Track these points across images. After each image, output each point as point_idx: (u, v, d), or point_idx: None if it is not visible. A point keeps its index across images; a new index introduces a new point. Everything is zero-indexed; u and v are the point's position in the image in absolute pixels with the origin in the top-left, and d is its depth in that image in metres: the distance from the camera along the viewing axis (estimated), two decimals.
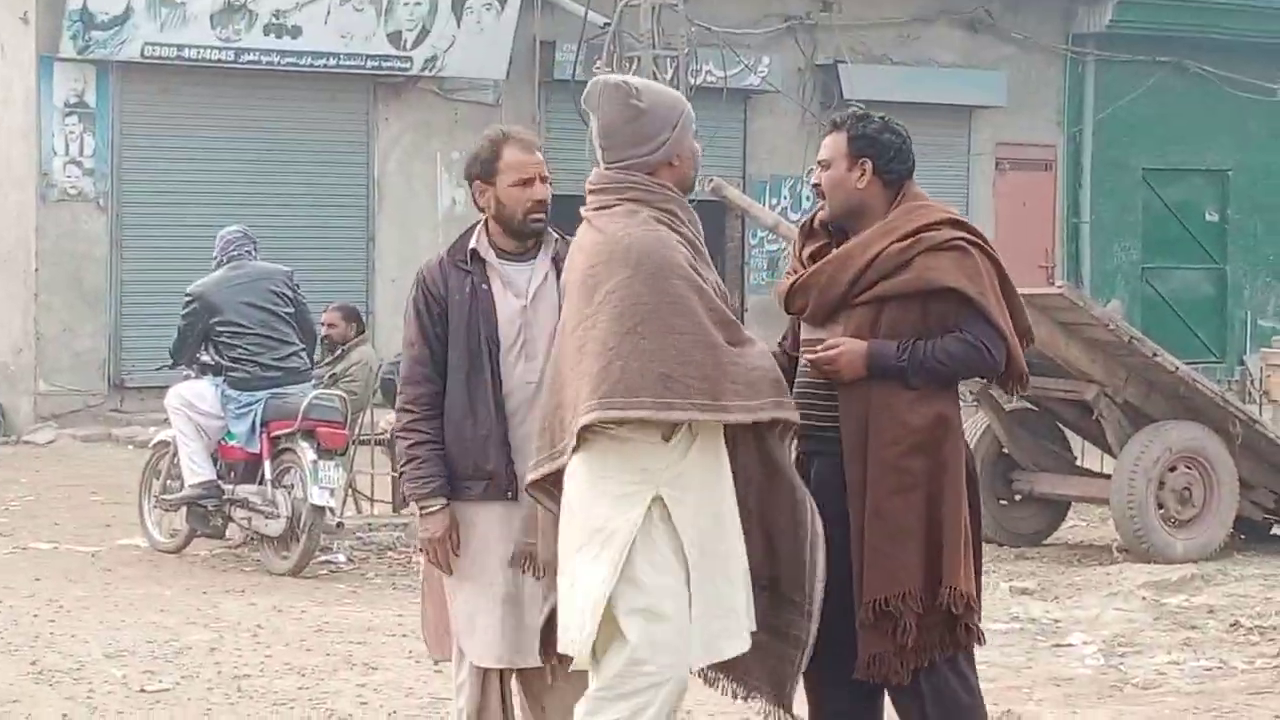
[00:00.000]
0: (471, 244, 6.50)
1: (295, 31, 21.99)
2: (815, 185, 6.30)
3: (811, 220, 6.40)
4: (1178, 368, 13.73)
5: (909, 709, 6.13)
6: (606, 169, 6.07)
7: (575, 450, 5.77)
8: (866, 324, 6.11)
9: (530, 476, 5.97)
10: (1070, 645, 10.79)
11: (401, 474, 6.66)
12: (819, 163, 6.26)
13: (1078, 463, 15.03)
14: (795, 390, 6.16)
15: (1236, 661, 10.27)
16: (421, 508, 6.46)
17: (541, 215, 6.48)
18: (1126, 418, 13.82)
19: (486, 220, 6.53)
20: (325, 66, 22.33)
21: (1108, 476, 14.05)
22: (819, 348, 6.08)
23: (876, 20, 25.67)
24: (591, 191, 6.07)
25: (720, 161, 20.77)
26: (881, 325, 6.10)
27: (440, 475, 6.40)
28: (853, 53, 25.31)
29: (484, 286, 6.43)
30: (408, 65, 22.73)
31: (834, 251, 6.20)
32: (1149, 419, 13.84)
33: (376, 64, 22.59)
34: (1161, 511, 13.64)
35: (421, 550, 6.54)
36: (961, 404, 6.22)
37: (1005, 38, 26.62)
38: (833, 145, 6.25)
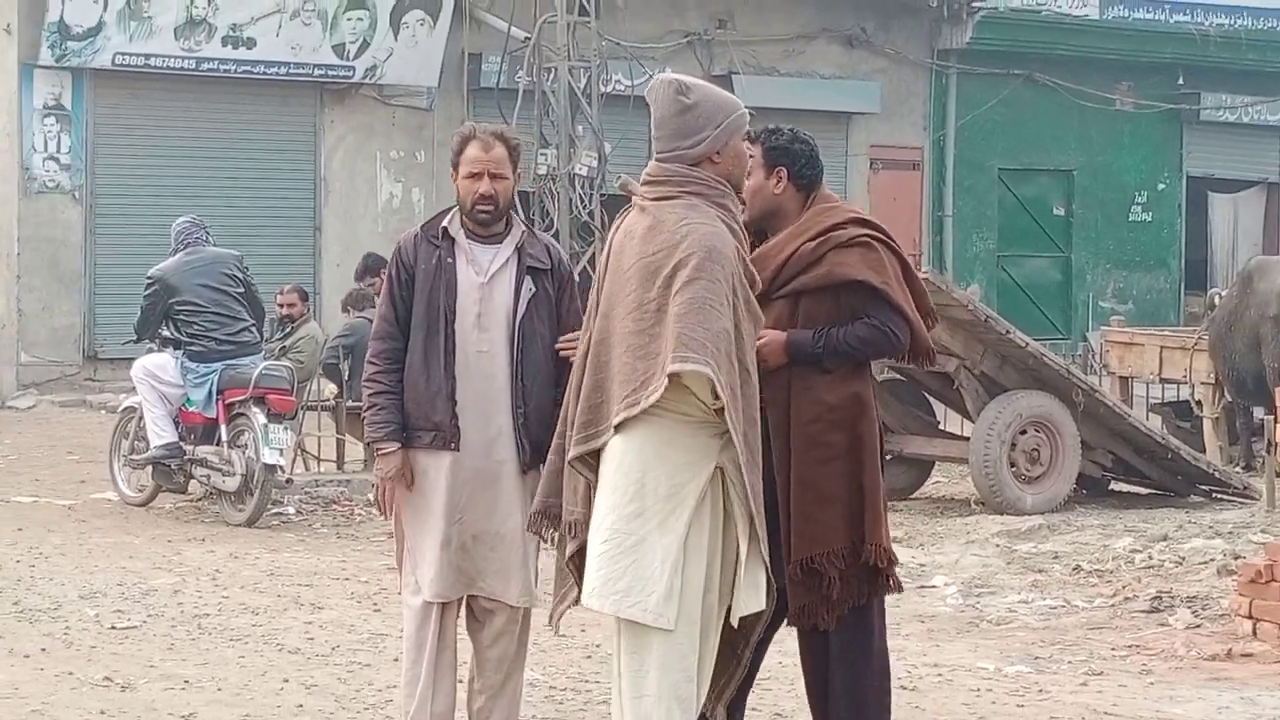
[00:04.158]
0: (445, 222, 6.48)
1: (250, 43, 21.86)
2: None
3: None
4: (1028, 343, 13.80)
5: (819, 650, 6.10)
6: (657, 160, 5.83)
7: (638, 419, 5.57)
8: (785, 315, 6.07)
9: (574, 452, 5.73)
10: (933, 587, 10.84)
11: (364, 418, 6.63)
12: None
13: (940, 427, 15.11)
14: None
15: (1078, 601, 10.34)
16: (377, 449, 6.46)
17: (487, 208, 6.43)
18: (983, 387, 13.88)
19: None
20: (277, 74, 22.22)
21: (966, 439, 14.12)
22: None
23: (766, 37, 25.68)
24: (649, 183, 5.81)
25: (629, 161, 20.65)
26: (799, 316, 6.07)
27: (395, 422, 6.39)
28: (745, 65, 25.29)
29: (449, 260, 6.41)
30: (350, 73, 22.62)
31: (754, 252, 6.09)
32: (1002, 388, 13.91)
33: (323, 72, 22.48)
34: (1013, 469, 13.72)
35: (375, 488, 6.55)
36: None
37: (878, 52, 26.67)
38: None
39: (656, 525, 5.60)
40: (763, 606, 5.79)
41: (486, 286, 6.40)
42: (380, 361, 6.45)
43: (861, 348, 6.08)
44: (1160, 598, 10.15)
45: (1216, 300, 17.24)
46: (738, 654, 5.94)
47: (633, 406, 5.58)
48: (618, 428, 5.64)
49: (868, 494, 6.01)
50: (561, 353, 6.41)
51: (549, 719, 7.28)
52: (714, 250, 5.60)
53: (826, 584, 5.94)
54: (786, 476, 5.98)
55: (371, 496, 6.62)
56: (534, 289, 6.44)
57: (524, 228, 6.54)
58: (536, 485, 6.42)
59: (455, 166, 6.48)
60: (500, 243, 6.48)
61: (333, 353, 14.80)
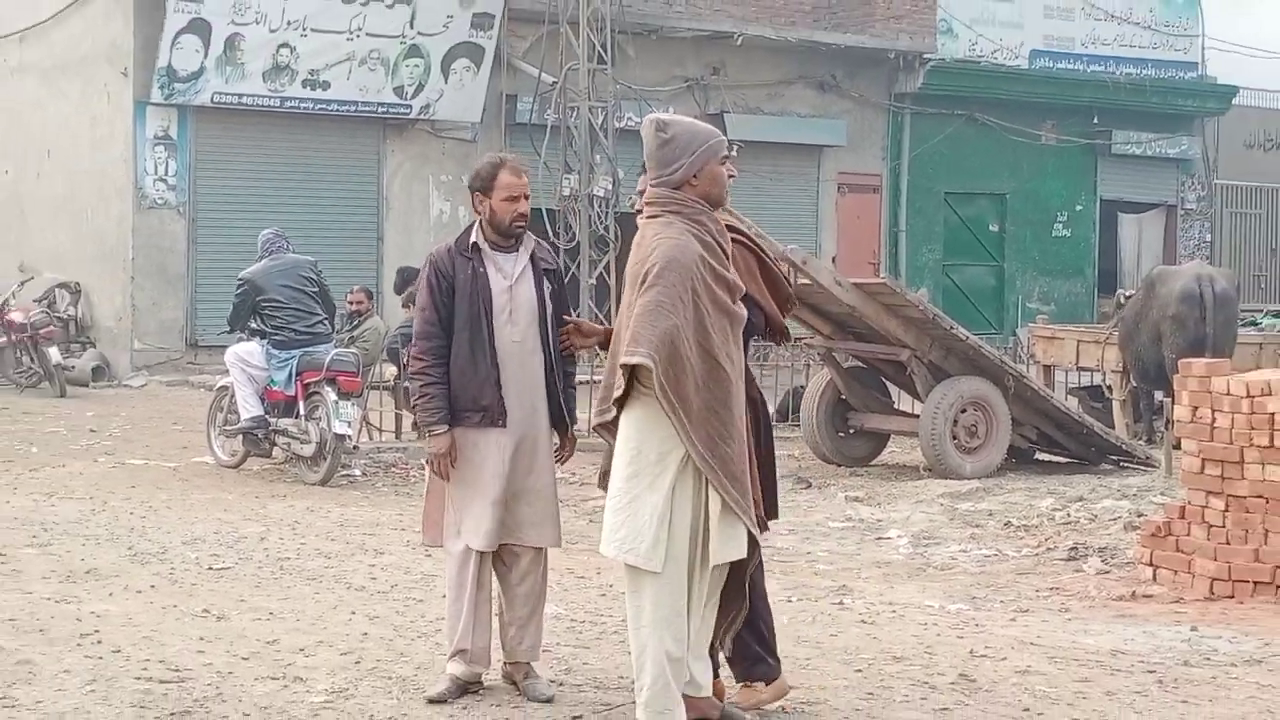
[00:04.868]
0: (472, 238, 6.44)
1: (325, 85, 21.86)
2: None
3: None
4: (968, 337, 13.79)
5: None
6: (650, 185, 5.81)
7: (636, 399, 5.64)
8: None
9: (594, 422, 5.83)
10: (889, 538, 10.83)
11: (415, 405, 6.60)
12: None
13: (895, 406, 15.09)
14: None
15: (1008, 551, 10.33)
16: (429, 431, 6.40)
17: (523, 223, 6.44)
18: (931, 373, 13.87)
19: (480, 221, 6.47)
20: (347, 111, 22.21)
21: (917, 416, 14.11)
22: None
23: (753, 81, 25.64)
24: (646, 204, 5.83)
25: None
26: None
27: (444, 408, 6.34)
28: (735, 105, 25.27)
29: (481, 269, 6.37)
30: (408, 111, 22.61)
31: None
32: (947, 375, 13.90)
33: (385, 110, 22.47)
34: (955, 442, 13.71)
35: (427, 463, 6.52)
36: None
37: (846, 95, 26.63)
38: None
39: (648, 485, 5.63)
40: (743, 554, 5.76)
41: (513, 288, 6.40)
42: (427, 356, 6.40)
43: None
44: (1076, 548, 10.15)
45: (1124, 301, 17.19)
46: (742, 594, 5.92)
47: (619, 389, 5.67)
48: (618, 405, 5.70)
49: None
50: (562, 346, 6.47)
51: (569, 645, 7.28)
52: (673, 260, 5.60)
53: None
54: None
55: (426, 464, 6.58)
56: (550, 286, 6.49)
57: (533, 237, 6.54)
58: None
59: (486, 191, 6.40)
60: (517, 250, 6.47)
61: (394, 341, 14.82)
